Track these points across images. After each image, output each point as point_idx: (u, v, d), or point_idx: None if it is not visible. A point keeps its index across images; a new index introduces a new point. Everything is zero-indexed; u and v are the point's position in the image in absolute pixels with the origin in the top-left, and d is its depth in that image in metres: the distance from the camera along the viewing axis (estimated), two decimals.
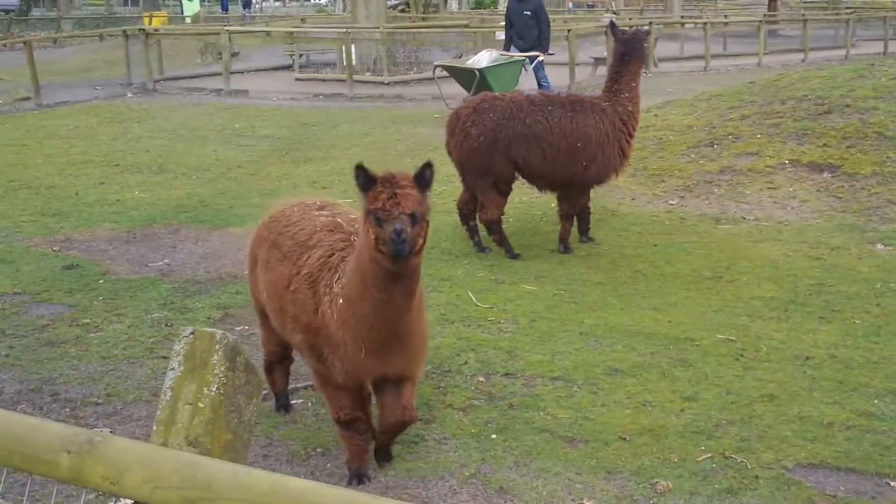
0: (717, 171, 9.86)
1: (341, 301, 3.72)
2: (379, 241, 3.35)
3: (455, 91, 15.71)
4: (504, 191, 7.88)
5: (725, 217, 8.93)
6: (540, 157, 7.57)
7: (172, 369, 2.49)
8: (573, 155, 7.56)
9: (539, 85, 15.12)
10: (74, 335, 6.09)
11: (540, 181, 7.92)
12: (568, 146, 7.53)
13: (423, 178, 3.44)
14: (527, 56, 14.90)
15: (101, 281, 7.25)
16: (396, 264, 3.40)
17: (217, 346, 2.47)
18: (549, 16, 16.13)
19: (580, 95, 8.18)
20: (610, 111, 7.68)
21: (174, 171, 11.59)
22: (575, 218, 8.12)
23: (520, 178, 7.93)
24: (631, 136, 7.81)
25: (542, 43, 15.01)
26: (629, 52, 7.79)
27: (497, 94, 8.23)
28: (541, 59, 15.03)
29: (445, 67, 15.93)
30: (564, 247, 8.01)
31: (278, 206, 4.61)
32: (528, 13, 14.89)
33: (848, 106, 10.40)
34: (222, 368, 2.46)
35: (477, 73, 14.27)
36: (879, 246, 7.90)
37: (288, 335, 4.27)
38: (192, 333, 2.49)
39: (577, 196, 7.96)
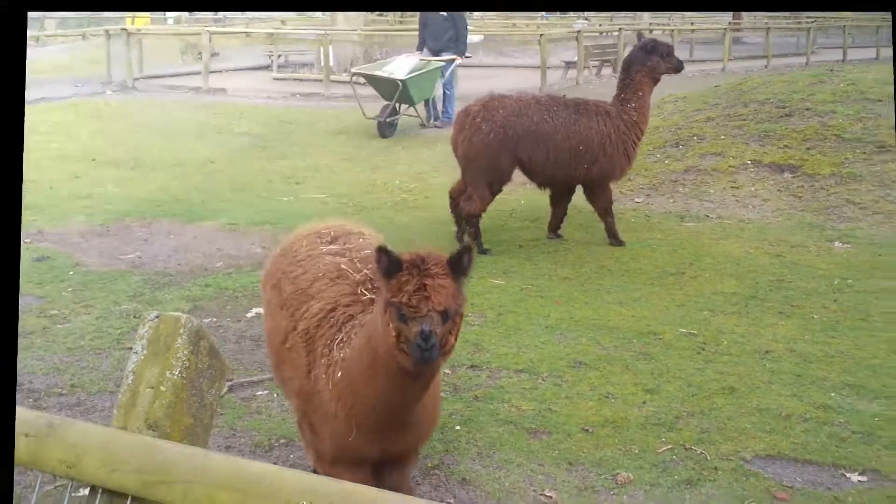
0: (682, 171, 10.05)
1: (340, 374, 3.11)
2: (400, 340, 2.74)
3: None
4: (496, 190, 7.99)
5: (689, 215, 9.09)
6: (543, 155, 7.71)
7: (136, 353, 2.51)
8: (575, 156, 7.74)
9: (444, 92, 14.79)
10: (42, 326, 6.06)
11: (541, 178, 8.05)
12: (570, 147, 7.70)
13: (461, 263, 2.84)
14: (445, 60, 14.37)
15: (72, 273, 7.23)
16: (418, 368, 2.79)
17: (181, 330, 2.49)
18: (530, 21, 15.92)
19: (585, 98, 8.27)
20: (615, 115, 7.84)
21: (149, 166, 11.56)
22: (552, 212, 8.36)
23: (520, 173, 8.05)
24: (635, 142, 7.94)
25: (458, 46, 14.46)
26: (631, 61, 7.96)
27: (503, 93, 8.24)
28: (458, 62, 14.60)
29: (363, 75, 15.16)
30: (616, 240, 8.12)
31: (293, 235, 3.87)
32: (444, 14, 14.25)
33: (808, 109, 10.64)
34: (186, 352, 2.47)
35: (400, 83, 13.73)
36: (837, 244, 8.08)
37: (287, 395, 3.74)
38: (156, 317, 2.51)
39: (602, 192, 8.08)
